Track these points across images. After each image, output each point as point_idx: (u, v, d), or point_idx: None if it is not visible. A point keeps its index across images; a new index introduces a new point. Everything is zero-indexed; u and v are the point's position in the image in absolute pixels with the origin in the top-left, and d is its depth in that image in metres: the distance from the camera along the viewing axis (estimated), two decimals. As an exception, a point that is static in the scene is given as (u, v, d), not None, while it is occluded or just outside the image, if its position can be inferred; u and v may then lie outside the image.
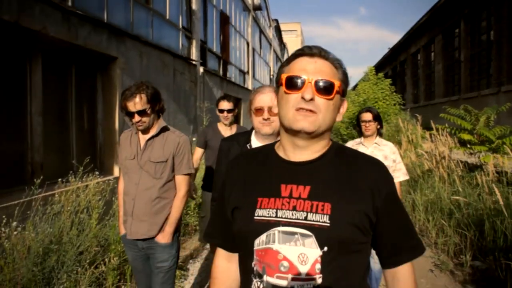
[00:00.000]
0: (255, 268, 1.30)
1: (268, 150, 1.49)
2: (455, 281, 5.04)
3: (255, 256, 1.30)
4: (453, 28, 18.66)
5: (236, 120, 4.98)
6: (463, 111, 7.65)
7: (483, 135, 6.88)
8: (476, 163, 7.24)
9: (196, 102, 10.86)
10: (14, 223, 3.69)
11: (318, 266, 1.24)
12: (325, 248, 1.24)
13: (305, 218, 1.26)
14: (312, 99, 1.27)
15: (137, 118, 3.02)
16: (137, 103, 2.99)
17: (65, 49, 5.61)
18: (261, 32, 24.83)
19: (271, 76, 29.97)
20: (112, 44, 6.51)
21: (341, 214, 1.27)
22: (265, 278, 1.26)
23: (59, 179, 4.70)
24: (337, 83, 1.32)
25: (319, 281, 1.23)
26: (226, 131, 4.78)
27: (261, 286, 1.27)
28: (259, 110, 2.52)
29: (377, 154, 4.07)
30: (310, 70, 1.31)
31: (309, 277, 1.23)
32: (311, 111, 1.28)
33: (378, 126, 4.25)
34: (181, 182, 3.25)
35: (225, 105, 4.75)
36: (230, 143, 2.80)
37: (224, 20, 14.82)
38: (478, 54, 16.11)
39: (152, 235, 3.12)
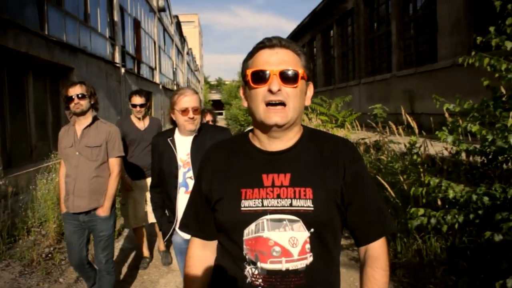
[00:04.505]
0: (247, 256, 1.35)
1: (243, 141, 1.51)
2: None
3: (244, 246, 1.35)
4: (329, 29, 22.36)
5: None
6: (320, 100, 10.96)
7: (333, 116, 10.24)
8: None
9: (121, 97, 13.19)
10: (41, 182, 6.15)
11: (308, 246, 1.33)
12: (312, 230, 1.33)
13: (290, 205, 1.33)
14: (279, 90, 1.30)
15: (76, 100, 3.46)
16: (77, 88, 3.49)
17: (44, 65, 7.90)
18: (165, 30, 27.01)
19: (174, 69, 32.24)
20: (71, 58, 8.84)
21: (321, 198, 1.36)
22: (259, 264, 1.32)
23: (51, 154, 7.03)
24: (300, 71, 1.34)
25: (310, 259, 1.33)
26: (140, 123, 5.11)
27: (256, 272, 1.33)
28: (185, 111, 2.87)
29: None
30: (273, 62, 1.33)
31: (301, 257, 1.32)
32: (280, 103, 1.31)
33: None
34: (114, 163, 3.73)
35: (138, 100, 4.97)
36: (158, 138, 3.15)
37: (137, 25, 17.06)
38: (347, 53, 19.93)
39: (91, 207, 3.59)
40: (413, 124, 6.12)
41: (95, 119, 3.66)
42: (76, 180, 3.54)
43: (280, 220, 1.32)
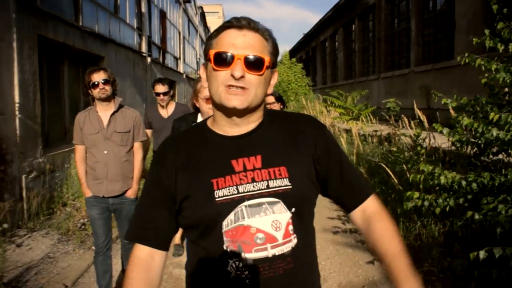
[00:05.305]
0: (228, 250, 1.25)
1: (202, 130, 1.42)
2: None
3: (225, 238, 1.25)
4: (351, 24, 22.66)
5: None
6: (336, 93, 11.35)
7: (349, 109, 10.63)
8: (347, 128, 11.00)
9: (147, 86, 13.78)
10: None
11: (291, 227, 1.26)
12: (293, 209, 1.26)
13: (267, 187, 1.26)
14: (242, 77, 1.22)
15: (101, 86, 3.49)
16: (101, 74, 3.53)
17: (78, 54, 8.49)
18: (189, 21, 27.54)
19: (198, 59, 32.80)
20: (102, 47, 9.43)
21: (297, 174, 1.30)
22: (243, 255, 1.23)
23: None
24: (267, 58, 1.27)
25: (295, 241, 1.27)
26: (163, 111, 5.12)
27: (240, 264, 1.24)
28: (209, 99, 2.69)
29: None
30: (239, 45, 1.24)
31: (286, 240, 1.25)
32: (242, 88, 1.23)
33: (281, 106, 4.76)
34: (139, 147, 3.84)
35: (161, 88, 4.98)
36: (180, 122, 3.12)
37: (162, 16, 17.61)
38: (367, 47, 20.23)
39: (124, 190, 3.73)
40: (423, 118, 6.50)
41: (120, 106, 3.73)
42: (109, 165, 3.61)
43: (259, 205, 1.25)
